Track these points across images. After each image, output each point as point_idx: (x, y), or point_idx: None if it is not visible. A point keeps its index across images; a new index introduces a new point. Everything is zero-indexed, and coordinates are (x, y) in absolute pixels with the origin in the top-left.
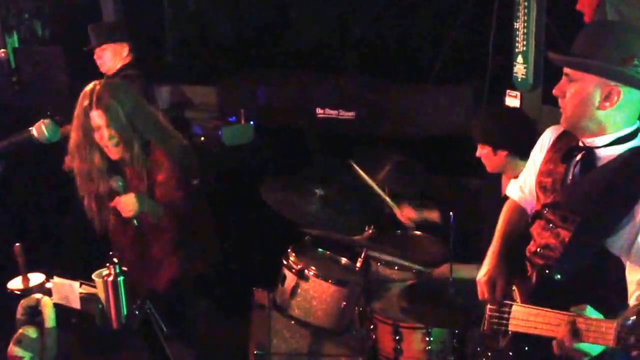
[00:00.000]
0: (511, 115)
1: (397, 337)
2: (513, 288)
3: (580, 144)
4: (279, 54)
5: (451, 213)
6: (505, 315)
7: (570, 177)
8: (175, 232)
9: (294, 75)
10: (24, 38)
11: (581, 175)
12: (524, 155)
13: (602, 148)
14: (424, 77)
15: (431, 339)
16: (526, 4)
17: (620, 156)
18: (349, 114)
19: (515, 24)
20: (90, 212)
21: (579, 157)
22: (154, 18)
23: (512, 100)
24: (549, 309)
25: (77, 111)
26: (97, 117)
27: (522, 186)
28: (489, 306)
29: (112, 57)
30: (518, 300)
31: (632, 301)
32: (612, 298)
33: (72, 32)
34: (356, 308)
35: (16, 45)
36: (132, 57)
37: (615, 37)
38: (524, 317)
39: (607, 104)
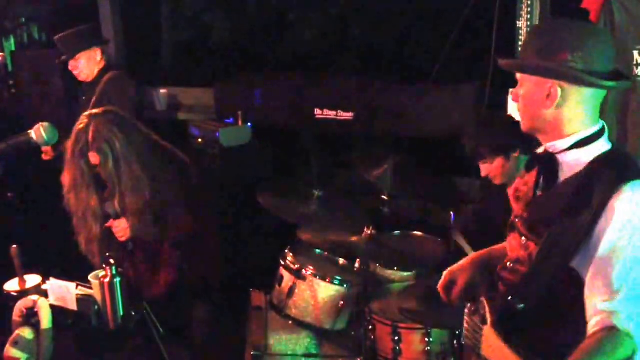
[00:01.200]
0: (498, 116)
1: (396, 338)
2: (482, 300)
3: (542, 150)
4: (277, 55)
5: (451, 213)
6: (478, 335)
7: (536, 188)
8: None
9: (292, 76)
10: (21, 42)
11: (546, 185)
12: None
13: (564, 153)
14: (424, 77)
15: (431, 339)
16: (529, 2)
17: (584, 168)
18: (348, 115)
19: (518, 22)
20: (85, 249)
21: (541, 164)
22: (151, 20)
23: None
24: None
25: (72, 150)
26: (92, 158)
27: None
28: (465, 317)
29: (87, 65)
30: (487, 315)
31: (590, 327)
32: (579, 323)
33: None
34: (354, 308)
35: (13, 49)
36: (106, 59)
37: (548, 34)
38: (492, 345)
39: (549, 102)
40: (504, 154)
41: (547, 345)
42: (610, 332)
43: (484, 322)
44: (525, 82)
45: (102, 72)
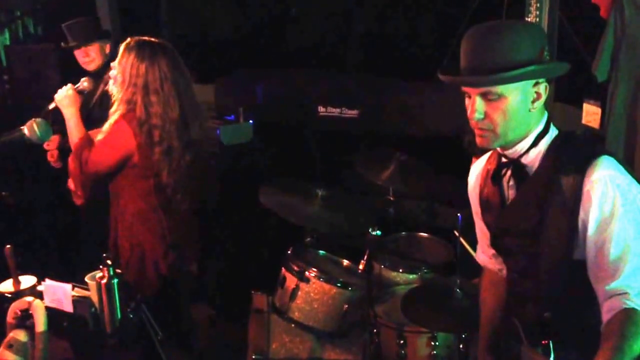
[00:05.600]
0: None
1: (402, 342)
2: (515, 322)
3: (504, 159)
4: (279, 51)
5: (459, 214)
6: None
7: (503, 198)
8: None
9: (295, 73)
10: (16, 36)
11: (517, 192)
12: None
13: (525, 154)
14: (430, 74)
15: (437, 343)
16: None
17: (545, 160)
18: (353, 112)
19: (527, 18)
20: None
21: (508, 173)
22: (151, 15)
23: None
24: None
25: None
26: None
27: (481, 246)
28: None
29: (98, 55)
30: (522, 336)
31: (603, 313)
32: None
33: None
34: (359, 311)
35: (7, 43)
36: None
37: (518, 36)
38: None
39: (536, 104)
40: None
41: (580, 335)
42: (625, 315)
43: (521, 342)
44: (507, 94)
45: (106, 63)
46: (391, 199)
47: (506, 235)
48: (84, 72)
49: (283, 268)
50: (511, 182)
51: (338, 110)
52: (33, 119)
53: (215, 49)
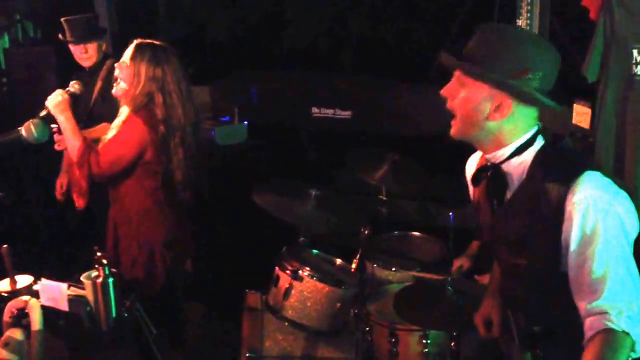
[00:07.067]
0: None
1: (393, 340)
2: (509, 315)
3: (484, 162)
4: (274, 52)
5: (450, 213)
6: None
7: (491, 201)
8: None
9: (289, 74)
10: (15, 39)
11: (497, 195)
12: None
13: (507, 161)
14: (422, 76)
15: (428, 341)
16: (529, 0)
17: (529, 171)
18: (346, 113)
19: (517, 21)
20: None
21: (488, 175)
22: (147, 18)
23: None
24: None
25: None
26: None
27: None
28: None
29: (95, 53)
30: (515, 335)
31: (585, 330)
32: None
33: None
34: (351, 310)
35: (7, 46)
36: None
37: (513, 48)
38: None
39: (497, 115)
40: None
41: (568, 338)
42: (606, 335)
43: (512, 339)
44: (472, 86)
45: (101, 61)
46: (384, 198)
47: (495, 243)
48: (82, 76)
49: (277, 267)
50: (490, 187)
51: (331, 111)
52: (30, 120)
53: (211, 50)
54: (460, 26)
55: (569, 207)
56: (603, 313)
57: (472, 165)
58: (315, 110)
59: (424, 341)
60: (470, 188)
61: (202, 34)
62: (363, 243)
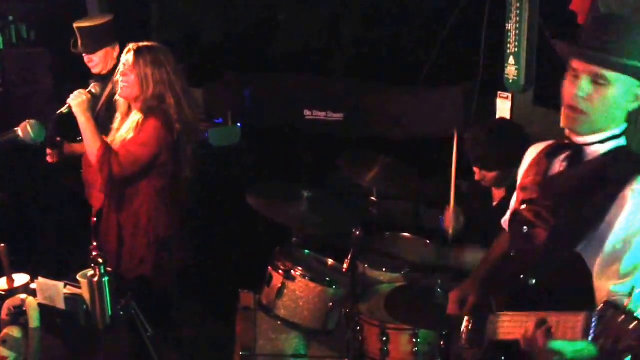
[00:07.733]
0: (512, 129)
1: (384, 339)
2: (492, 301)
3: (567, 141)
4: (267, 55)
5: (440, 216)
6: (490, 326)
7: (553, 173)
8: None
9: (282, 77)
10: (9, 41)
11: (565, 171)
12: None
13: (590, 146)
14: (414, 79)
15: (418, 340)
16: (518, 4)
17: (604, 156)
18: (338, 116)
19: (507, 24)
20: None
21: (566, 154)
22: (140, 20)
23: (504, 101)
24: (526, 313)
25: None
26: None
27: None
28: (466, 319)
29: (103, 59)
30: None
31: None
32: (583, 307)
33: (57, 35)
34: (343, 309)
35: (0, 47)
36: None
37: None
38: (510, 323)
39: (633, 105)
40: (508, 167)
41: None
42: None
43: (492, 311)
44: (615, 83)
45: (114, 68)
46: (375, 199)
47: (534, 204)
48: (76, 77)
49: (270, 267)
50: (564, 163)
51: (324, 113)
52: (27, 121)
53: (204, 53)
54: (451, 30)
55: (627, 192)
56: (627, 295)
57: (534, 151)
58: (307, 112)
59: (414, 340)
60: (521, 171)
61: (195, 37)
62: (354, 244)
